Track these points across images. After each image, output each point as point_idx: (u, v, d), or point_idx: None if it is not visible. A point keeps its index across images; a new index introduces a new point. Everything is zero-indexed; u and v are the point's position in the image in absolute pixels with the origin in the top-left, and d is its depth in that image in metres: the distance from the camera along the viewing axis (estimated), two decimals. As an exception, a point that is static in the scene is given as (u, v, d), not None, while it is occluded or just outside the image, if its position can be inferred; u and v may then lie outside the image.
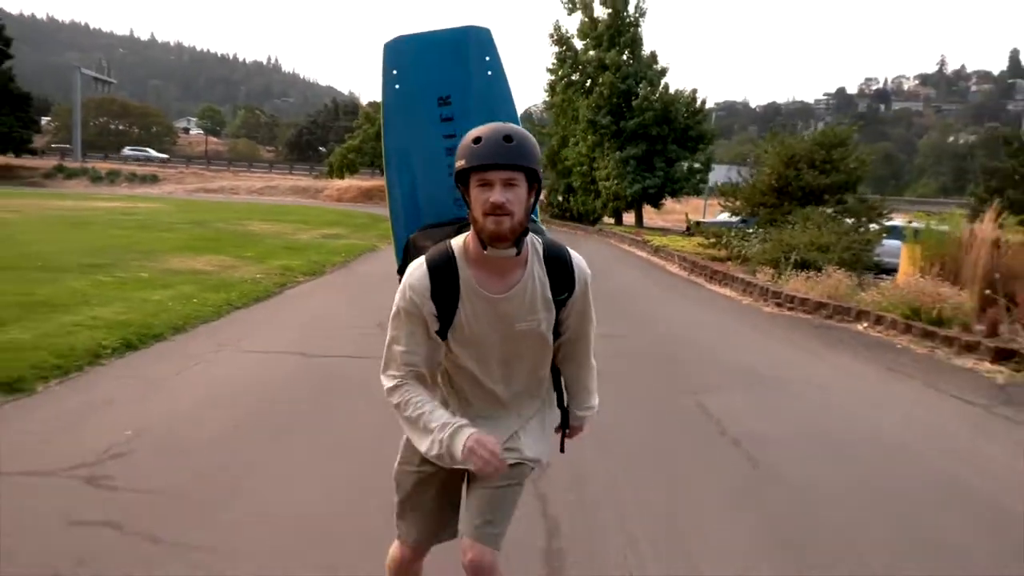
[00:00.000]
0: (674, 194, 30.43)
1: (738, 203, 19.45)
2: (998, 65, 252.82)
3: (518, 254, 1.95)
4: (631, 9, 29.14)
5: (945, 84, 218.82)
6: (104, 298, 8.75)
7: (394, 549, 2.31)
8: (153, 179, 57.13)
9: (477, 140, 1.88)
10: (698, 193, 32.34)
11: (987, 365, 7.81)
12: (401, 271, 2.20)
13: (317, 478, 4.10)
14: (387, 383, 2.04)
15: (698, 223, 25.67)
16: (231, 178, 59.24)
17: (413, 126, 2.53)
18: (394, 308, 2.03)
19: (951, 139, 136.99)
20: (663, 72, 29.27)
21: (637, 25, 29.34)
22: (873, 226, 15.93)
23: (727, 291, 13.83)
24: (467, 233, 2.00)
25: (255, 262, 13.73)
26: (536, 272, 2.02)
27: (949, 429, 5.84)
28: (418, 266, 2.00)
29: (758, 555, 3.45)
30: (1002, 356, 7.85)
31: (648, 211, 33.82)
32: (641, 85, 28.57)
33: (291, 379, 6.22)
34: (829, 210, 16.78)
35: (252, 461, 4.31)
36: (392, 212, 2.51)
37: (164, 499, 3.69)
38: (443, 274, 1.97)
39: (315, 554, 3.23)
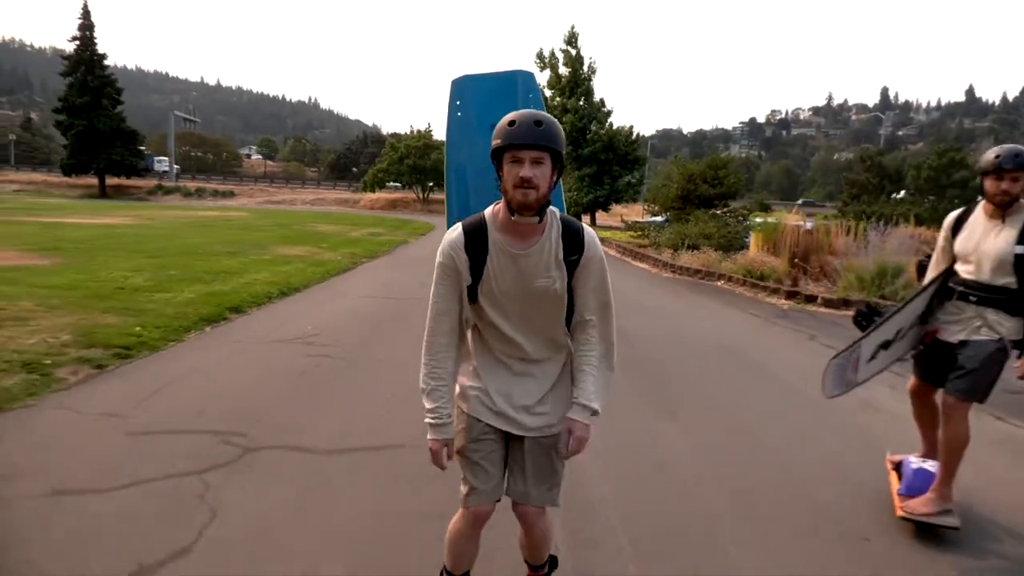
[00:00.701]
0: (618, 201, 32.87)
1: (656, 207, 21.89)
2: (872, 99, 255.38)
3: (540, 221, 1.82)
4: (585, 68, 31.42)
5: (832, 114, 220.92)
6: (253, 270, 11.10)
7: (454, 523, 2.08)
8: (231, 194, 58.66)
9: (512, 123, 1.76)
10: (635, 200, 34.73)
11: (782, 301, 10.34)
12: None
13: (412, 340, 6.55)
14: (425, 336, 1.96)
15: (636, 222, 28.05)
16: (289, 192, 60.70)
17: (470, 146, 2.45)
18: (436, 264, 1.91)
19: (835, 157, 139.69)
20: (608, 113, 31.54)
21: (590, 80, 31.55)
22: (748, 221, 18.37)
23: (643, 265, 16.29)
24: (498, 203, 1.88)
25: (331, 250, 16.03)
26: (553, 237, 1.87)
27: (741, 328, 8.35)
28: (454, 228, 1.92)
29: (628, 378, 5.94)
30: (790, 295, 10.38)
31: (601, 214, 36.09)
32: (593, 123, 30.89)
33: (383, 306, 8.63)
34: (718, 212, 19.27)
35: (379, 333, 6.81)
36: (449, 213, 2.49)
37: (345, 348, 6.13)
38: (475, 234, 1.86)
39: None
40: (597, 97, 31.90)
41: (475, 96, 2.48)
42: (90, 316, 6.50)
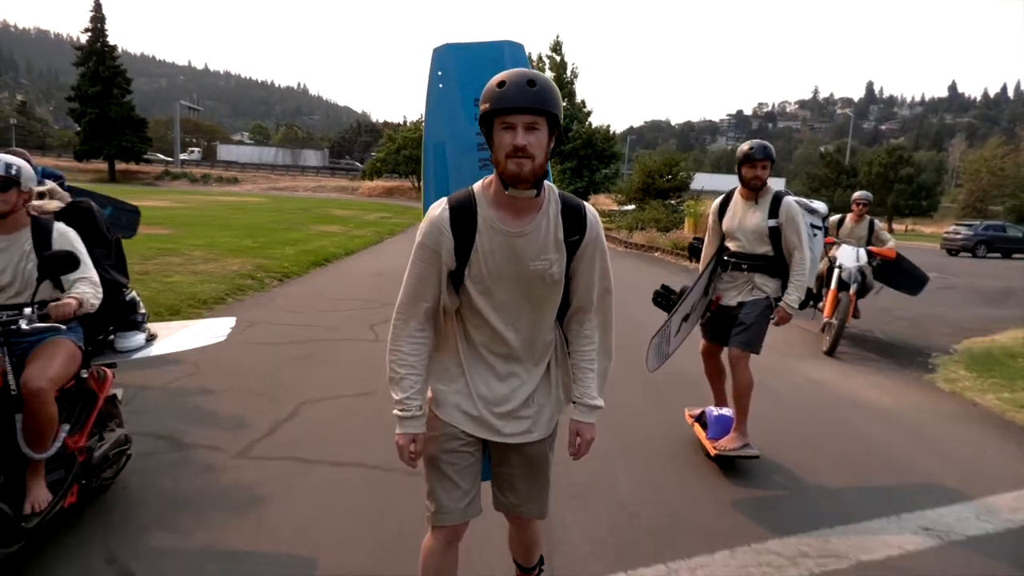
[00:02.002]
0: (596, 192, 37.29)
1: (623, 197, 26.36)
2: (858, 93, 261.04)
3: (537, 195, 1.62)
4: (568, 73, 35.79)
5: (817, 108, 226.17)
6: (315, 239, 15.41)
7: (426, 541, 1.85)
8: (235, 180, 62.16)
9: (502, 84, 1.54)
10: (609, 191, 39.19)
11: (693, 263, 14.79)
12: None
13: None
14: (393, 322, 1.77)
15: (612, 210, 32.54)
16: (290, 180, 64.26)
17: (451, 121, 2.34)
18: (415, 244, 1.73)
19: (820, 149, 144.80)
20: (588, 114, 35.96)
21: (572, 83, 35.91)
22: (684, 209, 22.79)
23: (605, 243, 20.75)
24: (488, 176, 1.69)
25: (357, 228, 20.29)
26: (552, 214, 1.67)
27: (656, 277, 12.79)
28: (439, 203, 1.70)
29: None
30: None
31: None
32: (574, 123, 35.24)
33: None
34: (672, 201, 23.73)
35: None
36: (425, 196, 2.33)
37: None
38: (463, 210, 1.66)
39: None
40: (579, 99, 36.20)
41: (458, 67, 2.35)
42: (249, 260, 10.84)
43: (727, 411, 3.77)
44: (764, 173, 3.53)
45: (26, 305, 2.45)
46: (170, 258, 10.21)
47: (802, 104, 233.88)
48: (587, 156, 35.38)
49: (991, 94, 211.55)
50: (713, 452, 3.61)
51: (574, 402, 1.84)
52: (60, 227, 2.71)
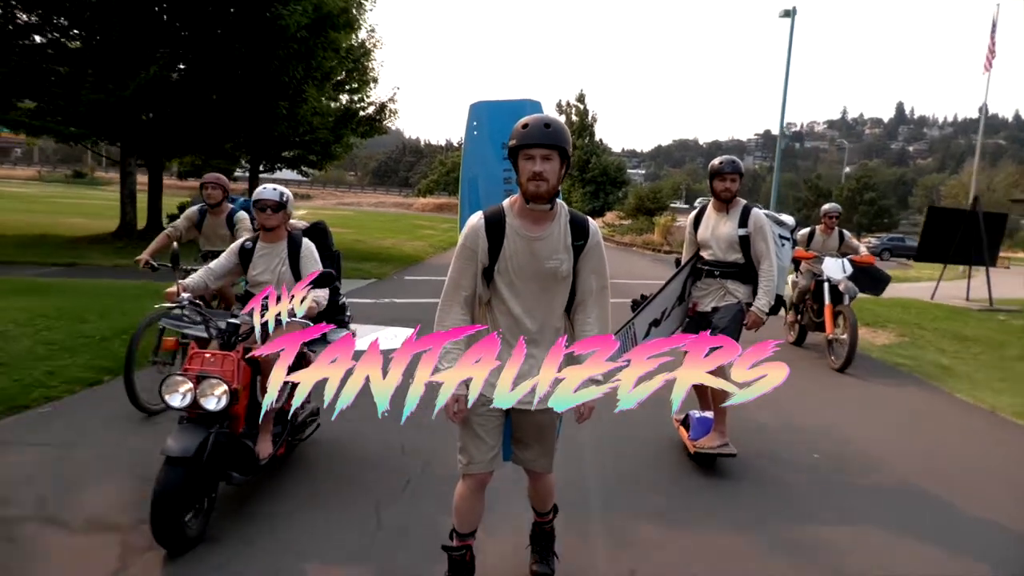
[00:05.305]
0: (609, 210, 48.64)
1: (623, 214, 37.78)
2: (887, 113, 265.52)
3: (551, 209, 2.24)
4: (590, 118, 47.40)
5: (846, 128, 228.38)
6: (428, 236, 26.90)
7: (459, 488, 2.48)
8: (307, 197, 73.19)
9: (525, 125, 2.15)
10: (615, 209, 50.40)
11: (655, 253, 26.12)
12: None
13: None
14: (439, 307, 2.35)
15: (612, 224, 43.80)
16: (353, 196, 73.95)
17: (483, 162, 3.04)
18: (457, 246, 2.36)
19: (846, 170, 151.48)
20: (605, 150, 47.50)
21: (592, 125, 47.54)
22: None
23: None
24: (515, 195, 2.32)
25: (444, 232, 31.46)
26: (562, 224, 2.30)
27: (638, 264, 24.14)
28: (476, 215, 2.35)
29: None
30: (656, 251, 26.17)
31: (598, 219, 51.51)
32: (593, 157, 46.77)
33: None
34: (655, 217, 34.98)
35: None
36: (462, 217, 2.96)
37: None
38: (494, 220, 2.29)
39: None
40: (597, 138, 48.05)
41: (489, 118, 3.12)
42: (423, 242, 22.41)
43: (708, 414, 4.08)
44: (733, 185, 4.00)
45: None
46: (380, 242, 21.81)
47: (831, 124, 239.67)
48: (603, 182, 47.03)
49: (1023, 115, 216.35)
50: (692, 450, 4.02)
51: None
52: (306, 241, 3.66)
